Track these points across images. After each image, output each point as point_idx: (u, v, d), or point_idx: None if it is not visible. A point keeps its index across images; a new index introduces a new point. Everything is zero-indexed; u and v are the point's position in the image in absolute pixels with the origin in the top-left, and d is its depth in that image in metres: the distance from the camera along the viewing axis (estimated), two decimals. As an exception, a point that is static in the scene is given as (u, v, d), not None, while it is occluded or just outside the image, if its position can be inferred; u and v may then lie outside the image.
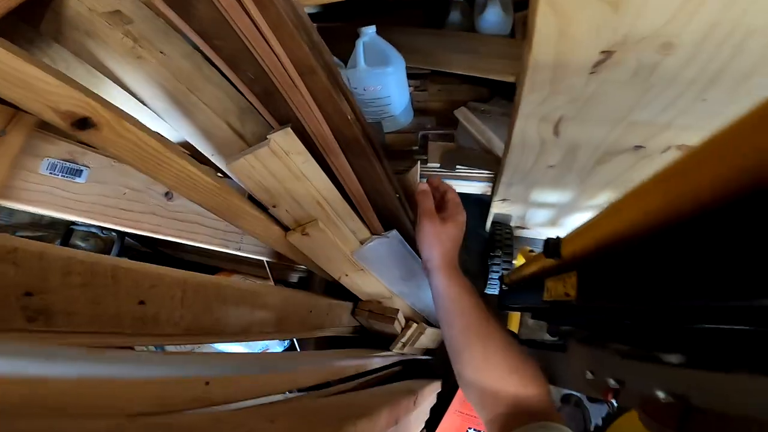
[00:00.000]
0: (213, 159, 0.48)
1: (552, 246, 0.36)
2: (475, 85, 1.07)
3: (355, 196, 0.56)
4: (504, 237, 0.96)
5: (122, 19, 0.39)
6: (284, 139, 0.44)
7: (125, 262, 0.28)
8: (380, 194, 0.61)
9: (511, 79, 0.90)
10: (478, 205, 1.11)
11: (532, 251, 0.91)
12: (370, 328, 0.84)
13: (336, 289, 0.77)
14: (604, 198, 0.74)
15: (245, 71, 0.42)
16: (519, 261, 1.11)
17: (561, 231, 0.37)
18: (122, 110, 0.30)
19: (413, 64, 0.99)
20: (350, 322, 0.84)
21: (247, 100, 0.44)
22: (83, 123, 0.27)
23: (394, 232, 0.66)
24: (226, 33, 0.37)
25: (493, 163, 0.86)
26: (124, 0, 0.40)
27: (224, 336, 0.40)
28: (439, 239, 0.52)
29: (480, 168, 0.87)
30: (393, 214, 0.66)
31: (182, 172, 0.36)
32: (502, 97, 1.01)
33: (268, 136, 0.43)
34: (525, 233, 1.15)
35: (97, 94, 0.29)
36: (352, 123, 0.46)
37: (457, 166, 0.88)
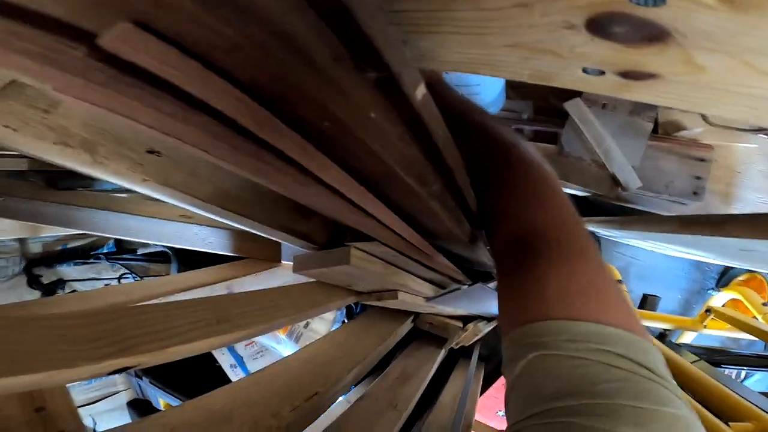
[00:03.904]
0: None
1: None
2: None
3: (443, 269, 0.48)
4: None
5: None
6: (366, 246, 0.36)
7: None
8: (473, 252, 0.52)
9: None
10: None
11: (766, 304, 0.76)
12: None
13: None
14: None
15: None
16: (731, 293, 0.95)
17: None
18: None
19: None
20: (408, 329, 0.83)
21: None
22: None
23: (478, 285, 0.58)
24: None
25: (606, 185, 0.70)
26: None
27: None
28: None
29: (589, 189, 0.71)
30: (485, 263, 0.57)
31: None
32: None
33: (346, 244, 0.35)
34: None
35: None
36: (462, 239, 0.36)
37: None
